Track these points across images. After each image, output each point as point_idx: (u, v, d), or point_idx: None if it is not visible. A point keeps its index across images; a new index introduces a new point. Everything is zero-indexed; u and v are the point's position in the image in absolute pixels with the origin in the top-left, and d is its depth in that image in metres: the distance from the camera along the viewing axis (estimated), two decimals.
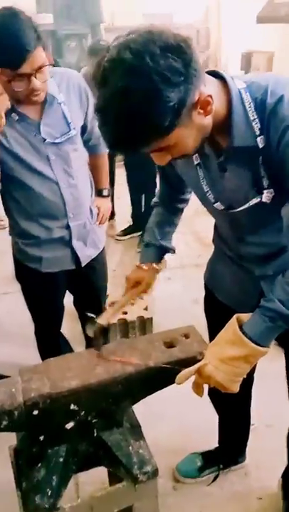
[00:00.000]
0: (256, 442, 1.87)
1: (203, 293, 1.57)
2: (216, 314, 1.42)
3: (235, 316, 1.10)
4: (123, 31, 0.88)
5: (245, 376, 1.11)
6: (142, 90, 0.81)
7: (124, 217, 4.14)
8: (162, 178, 1.42)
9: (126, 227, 4.07)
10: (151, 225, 1.47)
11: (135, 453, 1.24)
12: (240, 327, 1.07)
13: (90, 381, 1.16)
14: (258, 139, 0.97)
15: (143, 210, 3.86)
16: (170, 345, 1.28)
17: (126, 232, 4.01)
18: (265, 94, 0.95)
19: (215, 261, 1.46)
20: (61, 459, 1.20)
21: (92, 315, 1.22)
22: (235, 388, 1.11)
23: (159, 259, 1.46)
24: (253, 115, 0.97)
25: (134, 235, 3.97)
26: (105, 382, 1.17)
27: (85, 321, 2.13)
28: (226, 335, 1.10)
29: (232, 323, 1.09)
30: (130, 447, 1.24)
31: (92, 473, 1.32)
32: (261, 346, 1.06)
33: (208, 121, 0.95)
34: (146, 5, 7.23)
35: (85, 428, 1.21)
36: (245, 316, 1.10)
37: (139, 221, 3.91)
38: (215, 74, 1.00)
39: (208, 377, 1.10)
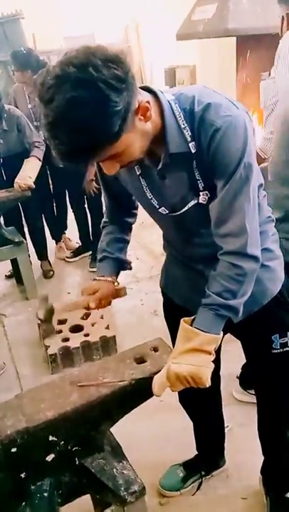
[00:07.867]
0: (233, 443, 1.89)
1: (160, 305, 1.58)
2: (176, 318, 1.45)
3: (182, 320, 1.17)
4: (47, 55, 0.92)
5: (209, 367, 1.12)
6: (90, 99, 0.86)
7: (73, 239, 4.11)
8: (106, 192, 1.42)
9: (75, 248, 4.04)
10: (104, 243, 1.47)
11: (120, 475, 1.23)
12: (191, 325, 1.14)
13: (66, 409, 1.13)
14: (190, 144, 1.06)
15: (91, 230, 3.85)
16: (141, 360, 1.28)
17: (76, 253, 3.98)
18: (193, 104, 1.04)
19: (168, 266, 1.50)
20: (46, 494, 1.16)
21: (46, 294, 1.20)
22: (206, 380, 1.12)
23: (116, 272, 1.44)
24: (183, 123, 1.05)
25: (85, 255, 3.94)
26: (82, 408, 1.15)
27: None
28: (179, 337, 1.16)
29: (181, 325, 1.16)
30: (114, 470, 1.23)
31: (74, 504, 1.28)
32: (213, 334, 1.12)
33: (148, 127, 1.03)
34: (66, 27, 7.28)
35: (67, 458, 1.19)
36: (190, 319, 1.17)
37: (87, 241, 3.90)
38: (146, 89, 1.07)
39: (175, 375, 1.11)
